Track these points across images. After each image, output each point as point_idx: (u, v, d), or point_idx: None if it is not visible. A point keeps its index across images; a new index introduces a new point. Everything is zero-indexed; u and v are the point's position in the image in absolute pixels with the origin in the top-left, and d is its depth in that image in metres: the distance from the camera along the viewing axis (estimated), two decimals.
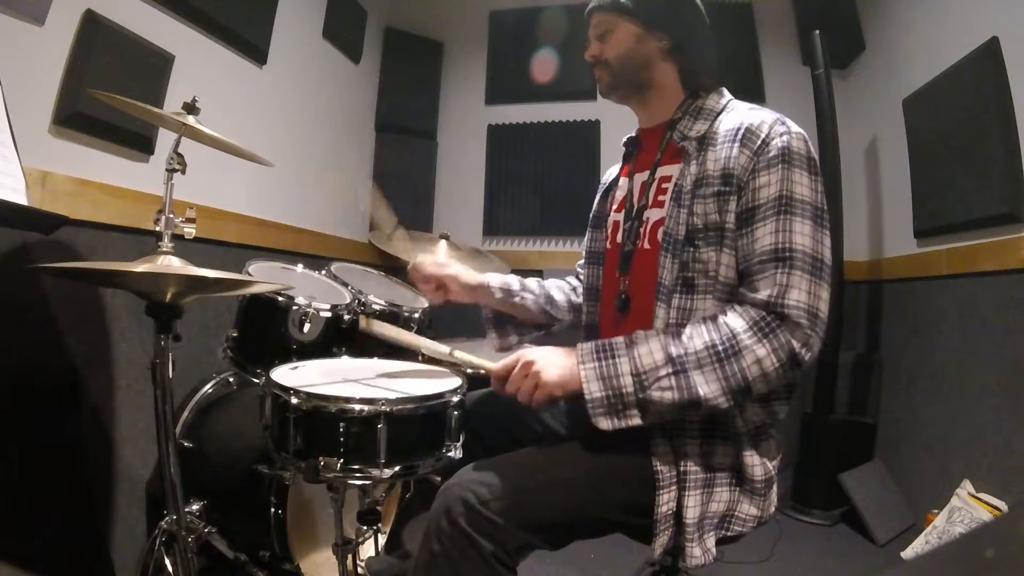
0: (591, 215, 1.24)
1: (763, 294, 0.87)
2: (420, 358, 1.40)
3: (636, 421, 0.88)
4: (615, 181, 1.21)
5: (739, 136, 0.94)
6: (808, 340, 0.85)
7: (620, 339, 0.91)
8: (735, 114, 0.99)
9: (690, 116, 1.04)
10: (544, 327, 1.33)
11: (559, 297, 1.30)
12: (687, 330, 0.89)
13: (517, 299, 1.25)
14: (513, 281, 1.27)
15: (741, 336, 0.86)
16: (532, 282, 1.30)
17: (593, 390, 0.88)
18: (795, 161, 0.91)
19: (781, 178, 0.90)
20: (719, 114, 1.02)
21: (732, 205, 0.93)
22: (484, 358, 1.03)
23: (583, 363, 0.90)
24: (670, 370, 0.87)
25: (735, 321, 0.87)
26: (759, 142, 0.92)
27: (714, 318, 0.90)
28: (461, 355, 1.05)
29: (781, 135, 0.92)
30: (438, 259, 1.30)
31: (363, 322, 1.12)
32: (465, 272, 1.24)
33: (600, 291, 1.17)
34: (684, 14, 1.07)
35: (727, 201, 0.93)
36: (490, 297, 1.24)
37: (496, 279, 1.25)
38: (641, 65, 1.06)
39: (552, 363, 0.92)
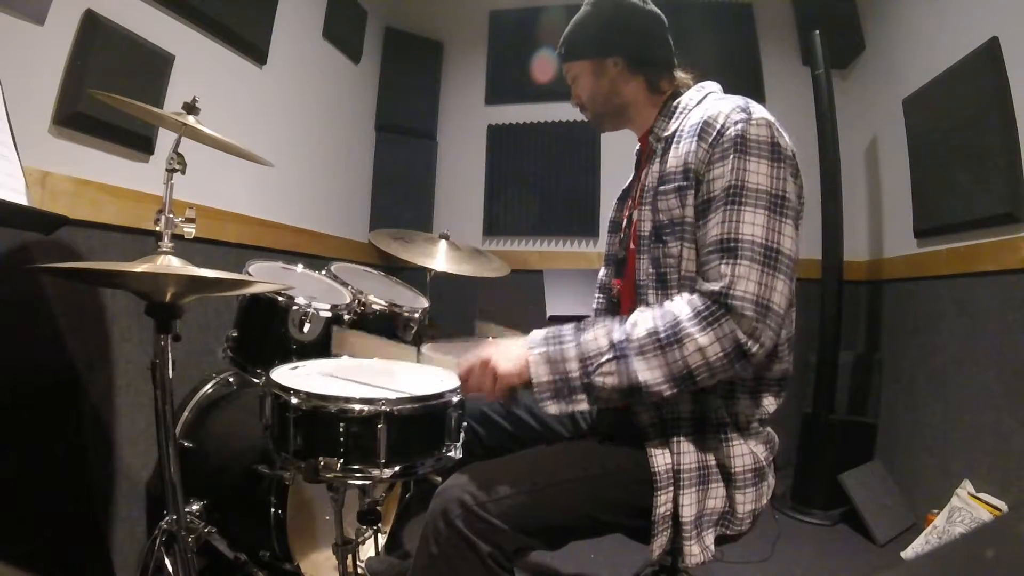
0: (609, 220, 1.26)
1: (711, 285, 0.87)
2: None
3: (583, 406, 0.90)
4: (628, 188, 1.23)
5: (698, 130, 0.94)
6: (755, 331, 0.84)
7: (570, 326, 0.94)
8: (701, 108, 0.99)
9: (665, 117, 1.06)
10: None
11: None
12: (633, 316, 0.90)
13: None
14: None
15: (684, 324, 0.85)
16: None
17: (540, 374, 0.90)
18: (751, 149, 0.89)
19: (732, 167, 0.89)
20: (692, 109, 1.02)
21: (690, 199, 0.93)
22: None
23: (532, 349, 0.92)
24: (611, 355, 0.88)
25: (680, 309, 0.87)
26: (714, 133, 0.91)
27: (662, 305, 0.90)
28: (428, 356, 1.06)
29: (736, 123, 0.90)
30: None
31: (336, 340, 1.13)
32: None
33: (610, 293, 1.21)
34: (630, 26, 1.07)
35: (687, 195, 0.93)
36: None
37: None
38: (610, 94, 1.10)
39: (505, 355, 0.94)
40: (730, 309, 0.84)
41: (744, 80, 2.91)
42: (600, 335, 0.90)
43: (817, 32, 2.40)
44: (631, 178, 1.23)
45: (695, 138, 0.93)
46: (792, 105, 2.72)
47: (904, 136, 2.38)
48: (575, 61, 1.12)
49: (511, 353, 0.94)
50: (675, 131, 1.01)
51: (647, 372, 0.86)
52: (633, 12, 1.07)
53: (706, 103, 1.00)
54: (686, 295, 0.90)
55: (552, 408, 0.90)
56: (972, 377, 1.97)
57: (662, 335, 0.86)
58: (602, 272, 1.26)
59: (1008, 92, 1.81)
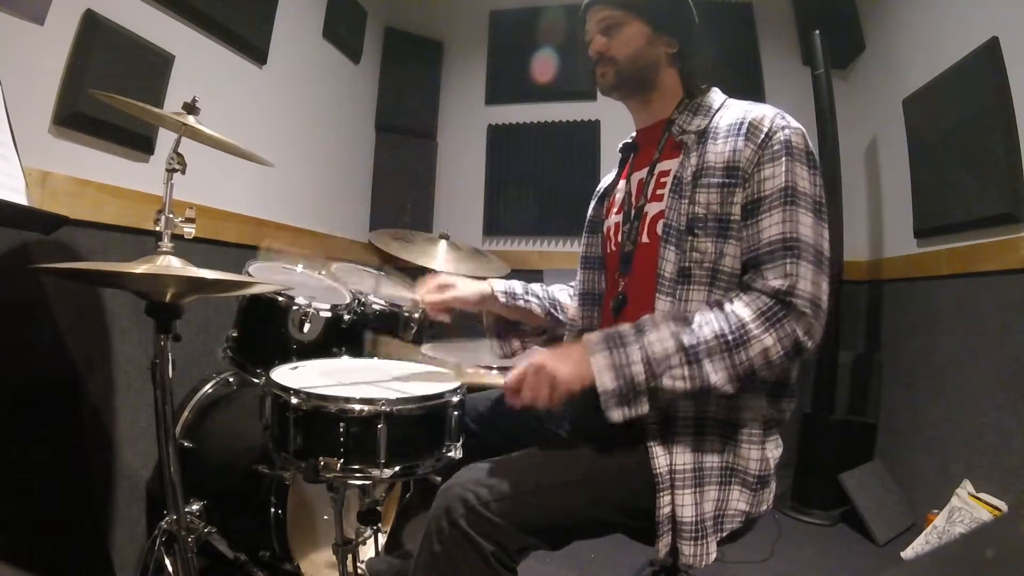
0: (587, 221, 1.24)
1: (774, 283, 0.88)
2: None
3: (644, 409, 0.88)
4: (612, 185, 1.21)
5: (743, 130, 0.95)
6: (811, 329, 0.88)
7: (627, 326, 0.91)
8: (735, 109, 1.01)
9: (688, 112, 1.06)
10: (548, 331, 1.32)
11: (566, 300, 1.30)
12: (696, 318, 0.90)
13: (521, 303, 1.26)
14: (516, 285, 1.27)
15: (750, 326, 0.87)
16: (537, 287, 1.31)
17: (606, 380, 0.87)
18: (796, 155, 0.93)
19: (785, 170, 0.92)
20: (717, 110, 1.04)
21: (738, 197, 0.94)
22: (486, 363, 1.04)
23: (593, 354, 0.89)
24: (682, 359, 0.87)
25: (743, 310, 0.88)
26: (763, 136, 0.94)
27: (720, 306, 0.90)
28: (470, 374, 1.06)
29: (783, 129, 0.94)
30: (439, 282, 1.25)
31: (369, 345, 1.13)
32: (467, 288, 1.24)
33: (601, 295, 1.17)
34: (689, 20, 1.09)
35: (732, 193, 0.94)
36: (495, 303, 1.25)
37: (499, 284, 1.26)
38: (649, 67, 1.07)
39: (562, 359, 0.91)
40: (791, 307, 0.87)
41: (744, 80, 2.91)
42: (665, 336, 0.88)
43: (817, 32, 2.40)
44: (614, 176, 1.22)
45: (741, 137, 0.95)
46: (792, 105, 2.66)
47: (904, 136, 2.38)
48: (634, 15, 1.04)
49: (569, 358, 0.90)
50: (707, 127, 1.01)
51: (715, 374, 0.87)
52: (693, 13, 1.09)
53: (736, 105, 1.03)
54: (744, 295, 0.90)
55: (616, 414, 0.87)
56: (972, 377, 1.97)
57: (730, 337, 0.87)
58: (581, 276, 1.20)
59: (1008, 92, 1.81)
